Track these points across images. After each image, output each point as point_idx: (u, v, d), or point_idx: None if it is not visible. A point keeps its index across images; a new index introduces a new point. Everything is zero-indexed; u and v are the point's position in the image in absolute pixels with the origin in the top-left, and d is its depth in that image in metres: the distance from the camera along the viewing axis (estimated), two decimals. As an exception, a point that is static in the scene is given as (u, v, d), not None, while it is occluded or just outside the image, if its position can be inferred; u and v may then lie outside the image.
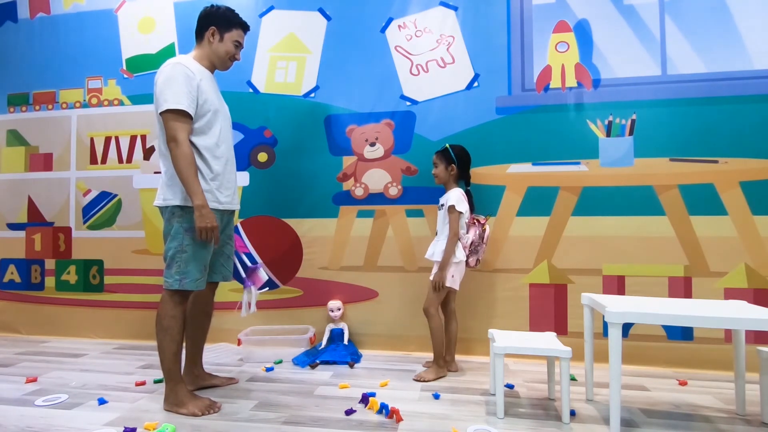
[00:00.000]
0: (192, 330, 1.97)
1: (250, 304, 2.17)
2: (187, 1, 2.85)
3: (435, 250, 2.20)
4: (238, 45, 1.89)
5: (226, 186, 1.84)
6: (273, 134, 2.73)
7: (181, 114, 1.67)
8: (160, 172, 1.81)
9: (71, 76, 3.00)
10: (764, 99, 2.24)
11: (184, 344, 1.84)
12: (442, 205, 2.21)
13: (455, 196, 2.14)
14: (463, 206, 2.13)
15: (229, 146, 1.89)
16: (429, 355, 2.47)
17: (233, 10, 1.88)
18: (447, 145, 2.23)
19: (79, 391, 1.97)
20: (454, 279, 2.15)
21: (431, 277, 2.19)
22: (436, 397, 1.89)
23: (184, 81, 1.68)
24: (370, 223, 2.63)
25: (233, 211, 1.97)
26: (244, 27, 1.91)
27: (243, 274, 2.20)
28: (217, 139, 1.80)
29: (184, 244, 1.71)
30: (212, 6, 1.87)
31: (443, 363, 2.17)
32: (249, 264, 2.16)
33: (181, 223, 1.72)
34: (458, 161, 2.21)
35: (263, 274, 2.21)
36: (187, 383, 1.90)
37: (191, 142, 1.73)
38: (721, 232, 2.27)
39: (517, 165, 2.47)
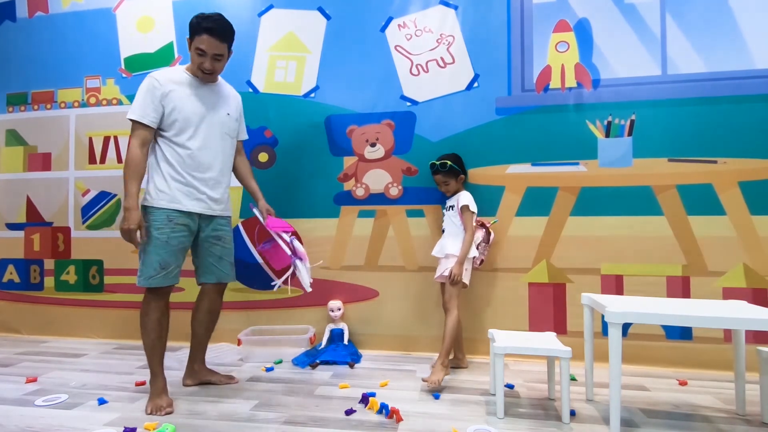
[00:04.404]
0: (195, 327, 2.05)
1: (302, 279, 2.01)
2: (186, 0, 2.84)
3: (445, 247, 2.23)
4: (202, 53, 1.81)
5: (200, 191, 1.87)
6: (273, 134, 2.72)
7: (136, 123, 1.79)
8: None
9: (70, 75, 2.99)
10: (764, 99, 2.24)
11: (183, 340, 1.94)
12: (452, 206, 2.27)
13: (468, 197, 2.23)
14: (474, 207, 2.23)
15: (213, 153, 1.91)
16: (429, 355, 2.48)
17: (203, 15, 1.81)
18: (448, 162, 2.24)
19: (79, 391, 1.98)
20: (467, 272, 2.20)
21: (440, 273, 2.22)
22: (436, 397, 1.90)
23: (145, 92, 1.80)
24: (370, 223, 2.63)
25: (214, 217, 1.96)
26: (211, 31, 1.79)
27: (288, 252, 2.00)
28: (189, 145, 1.84)
29: (144, 241, 1.79)
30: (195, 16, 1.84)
31: (447, 362, 2.12)
32: (287, 240, 2.01)
33: (144, 222, 1.81)
34: (462, 170, 2.30)
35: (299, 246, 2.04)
36: (188, 377, 2.06)
37: (170, 145, 1.84)
38: (719, 231, 2.27)
39: (517, 165, 2.47)
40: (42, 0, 3.05)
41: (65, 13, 3.01)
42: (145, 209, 1.82)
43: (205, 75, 1.87)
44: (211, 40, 1.80)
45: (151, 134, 1.81)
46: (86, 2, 2.98)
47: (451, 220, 2.26)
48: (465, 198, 2.23)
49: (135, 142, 1.77)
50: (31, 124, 3.06)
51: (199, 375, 2.07)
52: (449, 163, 2.25)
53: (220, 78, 2.00)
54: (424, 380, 2.00)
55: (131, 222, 1.72)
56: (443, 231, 2.31)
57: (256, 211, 2.07)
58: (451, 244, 2.21)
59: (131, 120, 1.79)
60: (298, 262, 1.95)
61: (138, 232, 1.74)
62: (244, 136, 2.16)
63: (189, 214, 1.86)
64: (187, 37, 1.85)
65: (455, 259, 2.17)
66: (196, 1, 2.81)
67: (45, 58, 3.04)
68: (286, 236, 1.98)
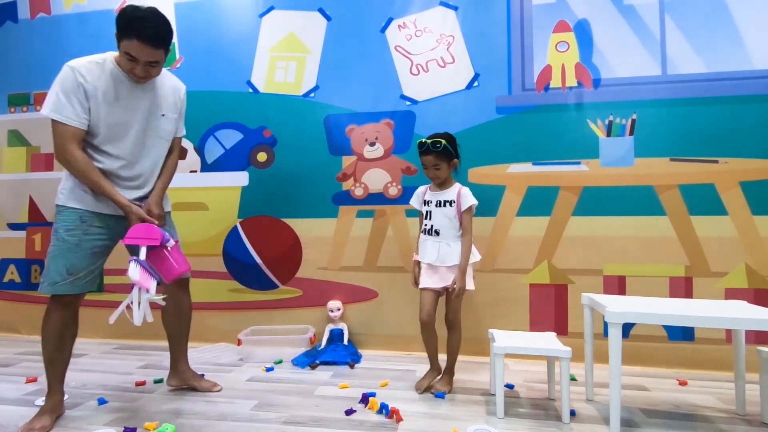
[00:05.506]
0: (167, 327, 1.98)
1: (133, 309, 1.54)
2: (187, 1, 2.85)
3: (450, 255, 1.93)
4: (132, 59, 1.53)
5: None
6: (272, 134, 2.73)
7: (62, 124, 1.57)
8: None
9: (71, 76, 3.00)
10: (764, 99, 2.23)
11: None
12: (448, 202, 1.97)
13: (471, 194, 1.96)
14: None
15: (140, 163, 1.71)
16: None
17: (133, 12, 1.50)
18: (442, 141, 1.90)
19: (79, 391, 1.97)
20: (472, 279, 1.98)
21: (445, 284, 1.94)
22: (439, 396, 1.89)
23: (68, 88, 1.56)
24: (369, 223, 2.63)
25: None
26: (141, 37, 1.49)
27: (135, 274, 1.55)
28: (113, 153, 1.65)
29: (51, 244, 1.63)
30: (126, 6, 1.53)
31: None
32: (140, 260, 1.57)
33: (55, 222, 1.65)
34: (456, 153, 1.98)
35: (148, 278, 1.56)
36: (172, 378, 2.01)
37: (90, 150, 1.64)
38: (721, 232, 2.26)
39: (518, 165, 2.47)
40: (44, 1, 3.06)
41: (67, 14, 3.02)
42: (57, 208, 1.65)
43: (135, 80, 1.63)
44: (142, 46, 1.51)
45: (83, 133, 1.58)
46: (88, 3, 2.99)
47: (447, 218, 1.96)
48: (470, 196, 1.95)
49: (71, 146, 1.56)
50: (34, 125, 3.06)
51: (185, 377, 2.00)
52: (443, 142, 1.89)
53: None
54: (432, 391, 1.95)
55: (133, 219, 1.61)
56: (436, 232, 1.97)
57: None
58: (457, 252, 1.93)
59: (54, 120, 1.55)
60: (136, 290, 1.53)
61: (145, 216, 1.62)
62: (181, 133, 1.89)
63: (105, 216, 1.67)
64: (116, 31, 1.54)
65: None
66: (197, 3, 2.83)
67: (47, 59, 3.05)
68: (143, 251, 1.57)
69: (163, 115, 1.74)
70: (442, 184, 2.01)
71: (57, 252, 1.61)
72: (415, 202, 2.11)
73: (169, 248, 1.64)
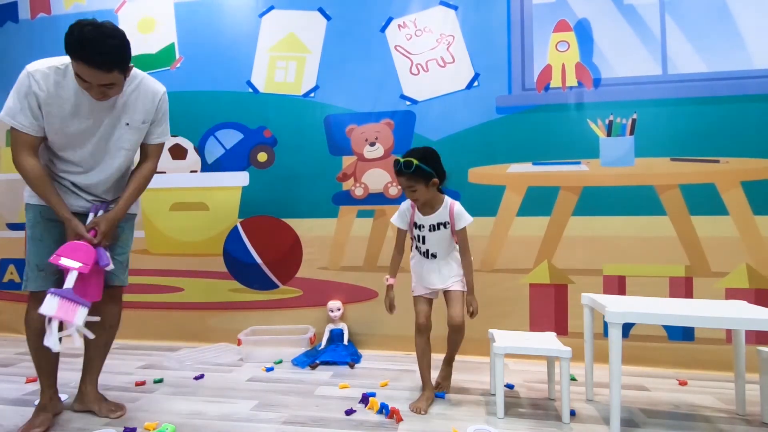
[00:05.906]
0: (85, 340, 1.67)
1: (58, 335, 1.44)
2: (187, 1, 2.85)
3: (447, 274, 1.87)
4: (84, 81, 1.42)
5: (82, 197, 1.65)
6: (272, 134, 2.73)
7: (19, 131, 1.53)
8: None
9: (71, 76, 3.00)
10: (765, 99, 2.23)
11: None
12: (442, 224, 1.82)
13: (465, 213, 1.82)
14: None
15: (98, 173, 1.63)
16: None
17: (80, 33, 1.36)
18: (413, 161, 1.66)
19: (79, 391, 1.97)
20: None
21: (448, 287, 1.90)
22: (439, 396, 1.89)
23: (24, 95, 1.50)
24: (370, 223, 2.62)
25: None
26: (88, 62, 1.36)
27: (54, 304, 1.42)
28: (69, 158, 1.59)
29: (26, 244, 1.62)
30: (77, 22, 1.40)
31: None
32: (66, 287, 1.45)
33: (27, 221, 1.63)
34: (436, 170, 1.72)
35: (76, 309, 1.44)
36: (76, 400, 1.79)
37: (47, 152, 1.62)
38: (722, 232, 2.26)
39: (518, 165, 2.47)
40: (44, 1, 3.06)
41: (68, 14, 3.02)
42: (27, 206, 1.63)
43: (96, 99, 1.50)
44: (91, 71, 1.38)
45: (36, 140, 1.53)
46: (88, 3, 2.99)
47: (444, 240, 1.84)
48: (464, 214, 1.80)
49: (23, 154, 1.51)
50: (33, 125, 3.06)
51: (87, 400, 1.74)
52: (415, 162, 1.65)
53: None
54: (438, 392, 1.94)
55: (70, 235, 1.53)
56: (433, 255, 1.86)
57: (91, 215, 1.63)
58: (458, 270, 1.88)
59: (13, 128, 1.50)
60: (47, 320, 1.40)
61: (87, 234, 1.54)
62: (160, 140, 1.73)
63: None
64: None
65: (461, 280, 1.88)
66: (197, 3, 2.83)
67: (47, 59, 3.04)
68: (72, 277, 1.45)
69: (127, 124, 1.61)
70: (426, 204, 1.80)
71: (28, 249, 1.62)
72: (398, 221, 1.90)
73: (105, 270, 1.57)
